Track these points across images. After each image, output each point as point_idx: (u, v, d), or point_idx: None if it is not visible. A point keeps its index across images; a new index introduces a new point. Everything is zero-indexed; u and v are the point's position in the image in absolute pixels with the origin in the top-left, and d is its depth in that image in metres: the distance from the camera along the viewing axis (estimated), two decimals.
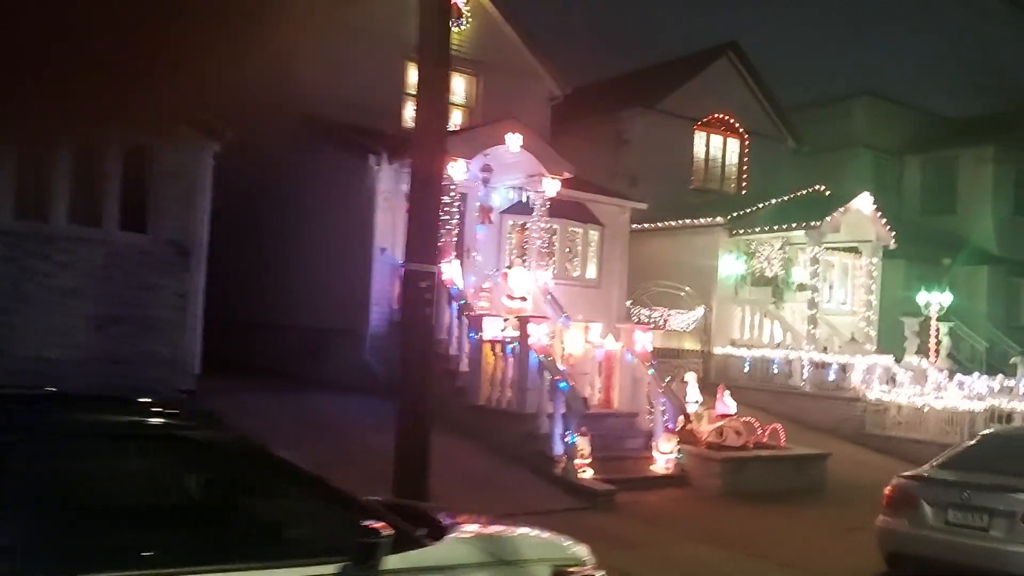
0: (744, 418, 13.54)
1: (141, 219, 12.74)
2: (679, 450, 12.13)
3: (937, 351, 19.73)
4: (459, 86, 18.88)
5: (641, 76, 24.83)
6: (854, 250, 19.90)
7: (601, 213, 17.98)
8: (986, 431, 8.89)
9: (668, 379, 12.68)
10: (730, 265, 19.88)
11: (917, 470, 7.97)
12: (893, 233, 19.27)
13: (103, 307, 11.96)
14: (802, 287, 18.87)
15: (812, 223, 18.07)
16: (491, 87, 18.99)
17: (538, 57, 19.87)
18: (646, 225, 21.34)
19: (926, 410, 15.57)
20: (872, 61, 54.64)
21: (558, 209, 17.06)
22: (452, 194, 13.85)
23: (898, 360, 18.35)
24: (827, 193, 20.07)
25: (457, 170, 13.70)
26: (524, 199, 15.48)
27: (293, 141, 16.23)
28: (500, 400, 12.19)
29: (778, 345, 18.85)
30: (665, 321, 18.99)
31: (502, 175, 15.30)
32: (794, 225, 18.39)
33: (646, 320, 18.74)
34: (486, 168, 14.65)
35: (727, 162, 24.29)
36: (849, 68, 54.36)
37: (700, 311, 19.44)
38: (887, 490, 7.83)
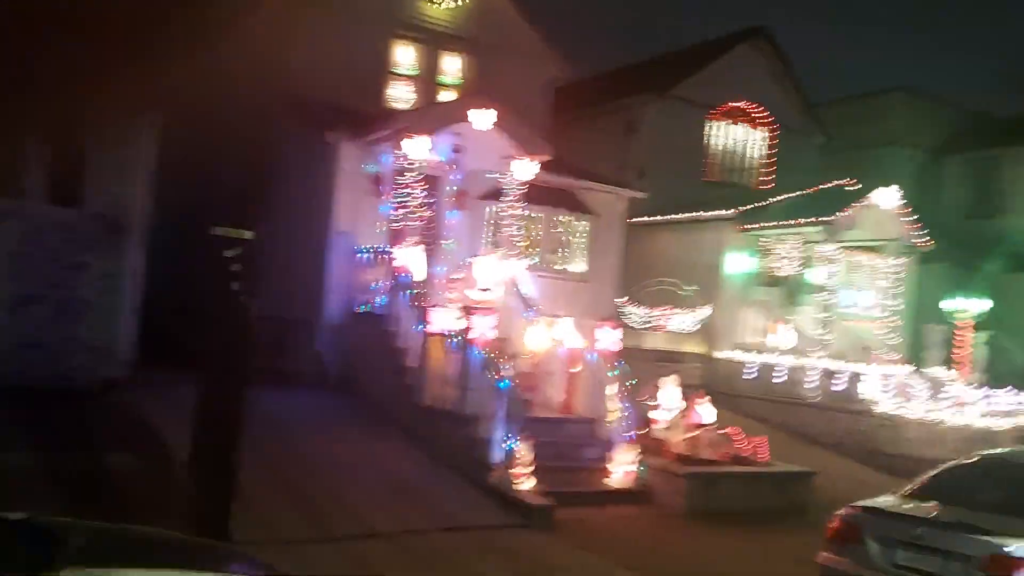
0: (724, 429, 12.21)
1: (74, 193, 11.93)
2: (640, 462, 10.84)
3: (968, 362, 18.00)
4: (452, 65, 17.80)
5: (657, 63, 23.45)
6: (878, 250, 18.21)
7: (594, 202, 16.70)
8: (976, 454, 7.45)
9: (633, 381, 11.36)
10: (738, 263, 18.40)
11: (872, 500, 6.60)
12: (922, 232, 17.61)
13: (18, 287, 11.12)
14: (817, 288, 17.28)
15: (825, 217, 16.52)
16: (487, 68, 17.80)
17: (539, 37, 18.64)
18: (651, 219, 20.02)
19: (942, 427, 14.00)
20: (910, 56, 51.72)
21: (543, 196, 15.86)
22: (411, 174, 12.77)
23: (921, 371, 16.72)
24: (853, 188, 18.43)
25: (416, 148, 12.59)
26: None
27: (263, 119, 15.25)
28: (445, 400, 11.03)
29: (788, 351, 17.33)
30: (664, 321, 17.61)
31: (478, 157, 14.15)
32: (805, 220, 16.84)
33: (642, 320, 17.42)
34: (457, 148, 13.51)
35: (748, 155, 22.74)
36: (886, 62, 51.44)
37: (704, 312, 18.02)
38: (832, 522, 6.50)
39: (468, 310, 10.76)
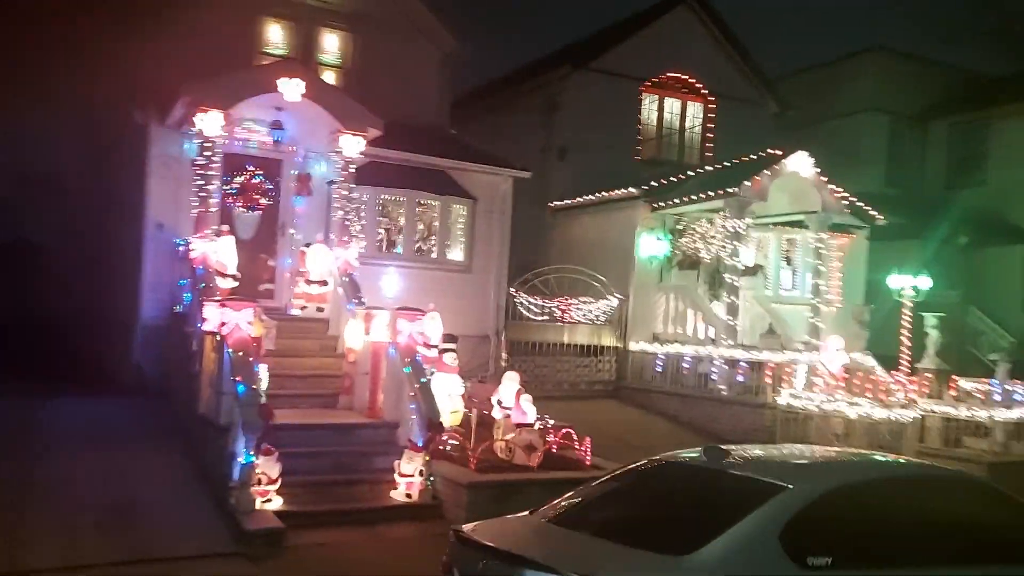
0: (553, 428, 10.66)
1: None
2: (428, 472, 9.33)
3: (909, 346, 16.03)
4: (331, 43, 16.44)
5: (584, 38, 21.77)
6: (806, 225, 16.30)
7: (473, 184, 15.17)
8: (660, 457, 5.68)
9: (426, 378, 9.83)
10: (651, 246, 16.68)
11: (477, 523, 5.03)
12: (847, 201, 15.74)
13: None
14: (735, 270, 15.45)
15: (730, 189, 14.74)
16: (373, 45, 16.40)
17: (432, 11, 17.17)
18: (570, 202, 18.45)
19: (846, 419, 12.19)
20: (883, 12, 47.73)
21: (408, 178, 14.47)
22: (208, 153, 11.45)
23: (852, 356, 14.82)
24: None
25: (210, 124, 11.25)
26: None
27: (108, 112, 14.13)
28: (210, 408, 9.66)
29: (704, 341, 15.58)
30: (564, 312, 16.00)
31: (310, 136, 12.81)
32: (711, 193, 15.06)
33: (537, 311, 15.83)
34: (276, 124, 12.16)
35: (689, 129, 20.92)
36: (857, 22, 47.48)
37: (613, 300, 16.36)
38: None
39: (222, 303, 9.36)
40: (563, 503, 5.04)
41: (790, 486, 4.36)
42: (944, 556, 4.37)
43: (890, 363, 15.91)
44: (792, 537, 4.14)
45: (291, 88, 11.41)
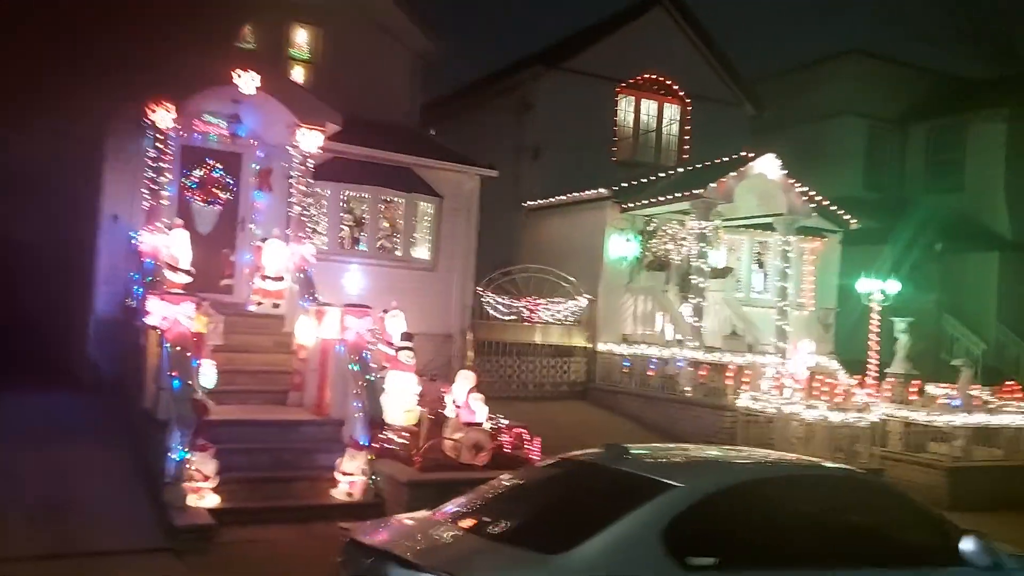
0: (519, 427, 10.59)
1: None
2: (372, 471, 9.24)
3: (877, 350, 15.97)
4: (301, 38, 16.35)
5: (560, 38, 21.73)
6: (774, 228, 16.22)
7: (439, 182, 15.08)
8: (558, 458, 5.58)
9: (372, 376, 9.73)
10: (621, 247, 16.59)
11: (373, 521, 4.96)
12: (816, 204, 15.67)
13: None
14: (703, 272, 15.37)
15: (696, 191, 14.67)
16: (341, 41, 16.31)
17: (404, 9, 17.07)
18: (542, 202, 18.38)
19: (804, 422, 12.11)
20: (862, 15, 47.34)
21: (373, 174, 14.39)
22: (161, 145, 11.36)
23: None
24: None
25: (161, 116, 11.15)
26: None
27: (66, 102, 14.02)
28: (152, 403, 9.56)
29: (670, 343, 15.52)
30: (532, 312, 15.91)
31: (269, 130, 12.72)
32: (677, 195, 14.99)
33: (504, 311, 15.75)
34: (233, 118, 12.07)
35: (665, 131, 20.85)
36: (837, 25, 47.21)
37: (582, 301, 16.28)
38: None
39: (162, 297, 9.27)
40: (464, 501, 4.96)
41: (677, 484, 4.27)
42: (831, 557, 4.29)
43: (860, 367, 15.86)
44: (675, 536, 4.05)
45: (246, 81, 11.32)
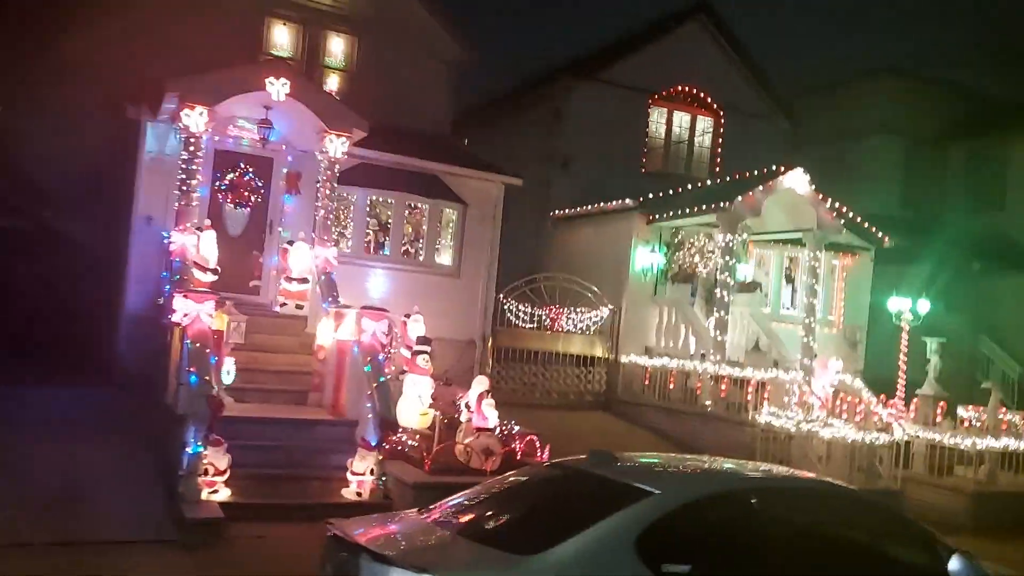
0: (518, 435, 10.63)
1: None
2: (381, 472, 9.36)
3: (905, 370, 15.73)
4: (336, 47, 16.64)
5: (594, 48, 21.76)
6: (803, 244, 16.07)
7: (465, 189, 15.21)
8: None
9: (384, 378, 9.85)
10: (647, 258, 16.57)
11: (359, 518, 5.04)
12: (846, 220, 15.50)
13: None
14: (728, 285, 15.26)
15: (723, 204, 14.61)
16: (375, 49, 16.60)
17: (436, 18, 17.28)
18: (570, 211, 18.44)
19: (828, 439, 11.98)
20: (902, 35, 46.32)
21: (399, 180, 14.57)
22: (193, 148, 11.62)
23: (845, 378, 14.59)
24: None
25: (194, 120, 11.42)
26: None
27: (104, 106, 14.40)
28: (173, 398, 9.79)
29: (693, 356, 15.43)
30: (554, 320, 15.95)
31: (299, 136, 12.95)
32: (704, 207, 14.94)
33: (527, 319, 15.80)
34: (265, 123, 12.31)
35: (697, 143, 20.79)
36: (877, 42, 46.26)
37: (604, 311, 16.28)
38: None
39: (186, 294, 9.50)
40: (452, 502, 5.03)
41: (655, 491, 4.30)
42: (811, 571, 4.28)
43: (890, 387, 15.65)
44: (650, 543, 4.07)
45: (277, 88, 11.55)
